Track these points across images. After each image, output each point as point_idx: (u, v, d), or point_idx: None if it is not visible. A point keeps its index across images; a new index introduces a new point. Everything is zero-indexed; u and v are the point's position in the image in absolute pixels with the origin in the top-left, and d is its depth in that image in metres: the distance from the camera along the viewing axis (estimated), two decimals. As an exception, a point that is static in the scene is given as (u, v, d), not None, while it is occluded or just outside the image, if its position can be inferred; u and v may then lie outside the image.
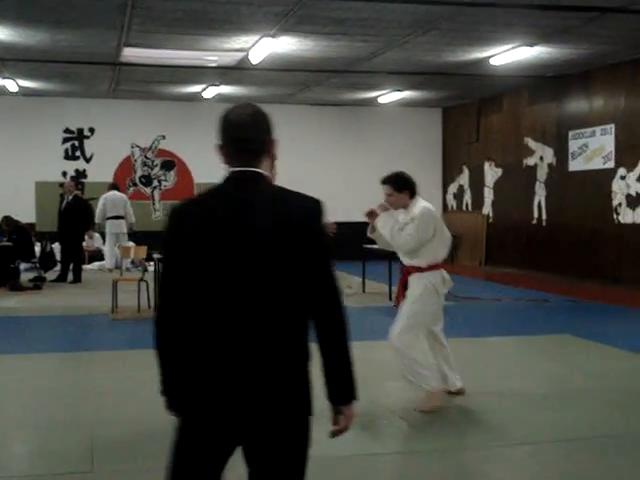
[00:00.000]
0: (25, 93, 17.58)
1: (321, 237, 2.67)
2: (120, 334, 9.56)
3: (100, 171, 18.62)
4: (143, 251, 11.50)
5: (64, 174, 18.48)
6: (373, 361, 7.92)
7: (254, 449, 2.63)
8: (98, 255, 17.13)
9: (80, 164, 18.82)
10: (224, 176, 2.70)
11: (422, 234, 5.90)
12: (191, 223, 2.61)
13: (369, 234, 6.41)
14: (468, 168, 19.62)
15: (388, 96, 18.02)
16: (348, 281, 14.53)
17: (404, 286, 6.24)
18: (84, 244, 16.56)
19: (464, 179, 19.85)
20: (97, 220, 15.84)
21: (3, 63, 14.32)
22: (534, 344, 9.04)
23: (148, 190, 19.24)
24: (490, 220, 18.46)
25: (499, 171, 18.14)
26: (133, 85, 16.80)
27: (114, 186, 16.54)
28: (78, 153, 18.80)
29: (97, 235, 17.36)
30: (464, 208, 19.88)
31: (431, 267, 6.01)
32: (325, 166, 19.63)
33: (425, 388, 6.04)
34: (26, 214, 17.34)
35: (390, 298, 12.32)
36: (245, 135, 2.69)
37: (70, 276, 14.41)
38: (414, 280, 6.06)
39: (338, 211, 19.58)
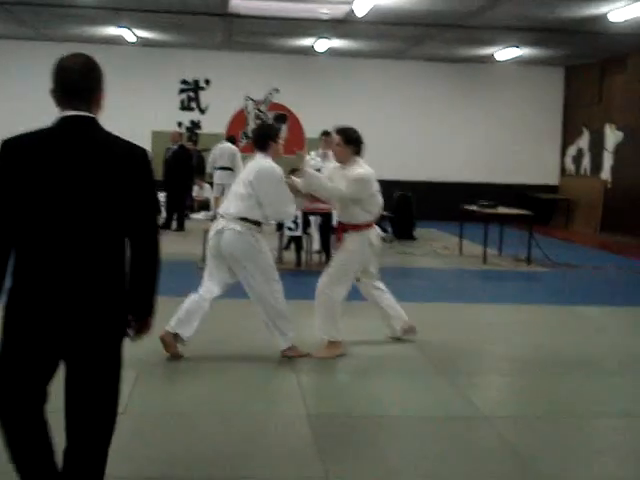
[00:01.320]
0: (143, 44, 17.97)
1: (144, 178, 2.97)
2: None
3: (214, 122, 18.89)
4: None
5: (179, 124, 18.86)
6: (465, 322, 7.79)
7: (72, 363, 2.98)
8: (207, 205, 17.42)
9: (195, 115, 19.16)
10: (56, 118, 2.94)
11: (352, 195, 6.15)
12: (22, 158, 2.86)
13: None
14: (588, 130, 18.77)
15: (505, 53, 17.34)
16: (444, 242, 14.27)
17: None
18: (194, 193, 16.94)
19: (584, 142, 19.01)
20: (208, 170, 16.09)
21: (118, 12, 14.65)
22: (620, 315, 8.60)
23: (260, 143, 19.35)
24: (608, 186, 17.64)
25: (621, 135, 17.25)
26: (246, 37, 16.87)
27: (229, 138, 16.61)
28: (194, 104, 19.14)
29: (207, 185, 17.62)
30: (582, 172, 19.08)
31: (367, 225, 6.31)
32: (435, 124, 19.23)
33: (325, 337, 6.33)
34: (142, 163, 17.79)
35: (485, 261, 12.01)
36: (74, 80, 2.94)
37: (174, 224, 14.75)
38: (350, 236, 6.34)
39: (441, 170, 19.25)
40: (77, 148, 2.89)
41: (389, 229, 14.59)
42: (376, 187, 6.33)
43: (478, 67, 19.24)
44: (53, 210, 2.85)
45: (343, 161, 6.28)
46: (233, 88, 18.85)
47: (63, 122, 2.94)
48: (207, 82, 19.05)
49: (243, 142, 19.24)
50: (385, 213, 14.67)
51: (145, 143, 18.70)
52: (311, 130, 18.43)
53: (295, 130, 19.21)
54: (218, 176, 15.66)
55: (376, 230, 6.47)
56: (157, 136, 18.59)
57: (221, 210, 6.12)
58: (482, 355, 6.73)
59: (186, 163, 15.09)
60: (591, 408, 5.36)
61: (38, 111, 18.22)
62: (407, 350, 6.60)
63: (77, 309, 2.89)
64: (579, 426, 5.00)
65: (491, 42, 16.35)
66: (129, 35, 16.75)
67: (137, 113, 18.33)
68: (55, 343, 2.93)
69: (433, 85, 19.30)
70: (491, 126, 19.51)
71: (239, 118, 19.21)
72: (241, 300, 6.37)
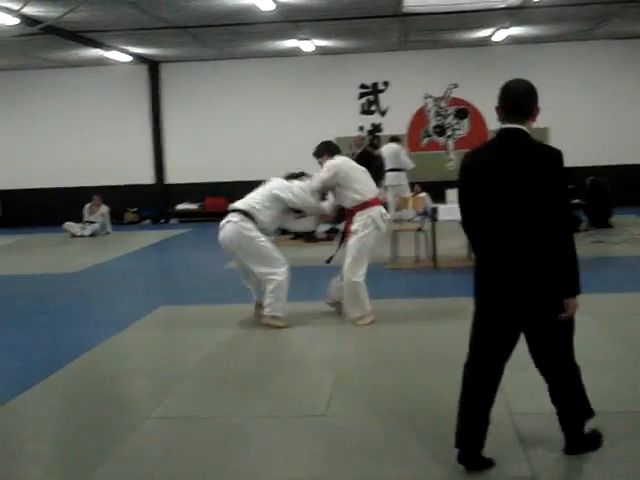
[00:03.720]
0: (320, 52, 18.27)
1: (560, 177, 3.66)
2: (394, 283, 9.70)
3: (395, 124, 18.89)
4: (421, 201, 11.52)
5: (360, 128, 19.00)
6: None
7: (532, 331, 3.85)
8: (385, 206, 17.39)
9: (375, 118, 19.25)
10: (498, 131, 3.84)
11: (320, 182, 7.38)
12: (471, 165, 3.86)
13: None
14: None
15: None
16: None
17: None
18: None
19: None
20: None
21: (297, 25, 15.00)
22: None
23: (442, 140, 19.20)
24: None
25: None
26: (421, 35, 16.76)
27: (392, 138, 16.54)
28: (374, 107, 19.24)
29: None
30: None
31: (363, 206, 7.19)
32: (626, 104, 18.21)
33: (364, 311, 7.29)
34: (326, 169, 18.15)
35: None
36: (519, 102, 3.79)
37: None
38: (355, 219, 7.22)
39: (629, 153, 18.20)
40: (504, 154, 3.74)
41: (583, 217, 14.01)
42: (352, 173, 7.37)
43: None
44: (496, 206, 3.71)
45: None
46: (412, 87, 18.79)
47: (501, 133, 3.82)
48: (385, 84, 19.10)
49: (425, 140, 19.19)
50: (578, 201, 14.19)
51: (329, 149, 19.12)
52: (494, 122, 18.02)
53: (477, 124, 18.89)
54: (389, 177, 15.62)
55: (379, 209, 7.28)
56: (340, 142, 18.72)
57: None
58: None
59: (370, 167, 15.12)
60: None
61: (223, 125, 19.19)
62: (609, 342, 6.30)
63: (531, 288, 3.69)
64: None
65: (682, 13, 15.35)
66: (307, 45, 17.10)
67: (319, 120, 18.63)
68: (516, 317, 3.80)
69: (622, 64, 18.32)
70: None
71: (419, 117, 19.14)
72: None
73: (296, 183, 7.53)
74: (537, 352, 3.91)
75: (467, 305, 7.66)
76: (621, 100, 18.30)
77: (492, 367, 3.91)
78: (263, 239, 7.26)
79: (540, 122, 15.91)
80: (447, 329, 7.03)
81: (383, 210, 7.40)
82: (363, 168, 7.69)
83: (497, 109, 3.83)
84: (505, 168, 3.69)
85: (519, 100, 3.78)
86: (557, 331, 3.82)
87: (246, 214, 7.27)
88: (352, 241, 7.24)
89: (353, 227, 7.23)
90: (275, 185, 7.49)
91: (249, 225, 7.22)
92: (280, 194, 7.38)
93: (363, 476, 4.00)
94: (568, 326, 3.84)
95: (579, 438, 4.02)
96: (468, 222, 3.91)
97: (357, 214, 7.23)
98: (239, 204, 7.41)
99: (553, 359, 3.90)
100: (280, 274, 7.24)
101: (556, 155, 3.69)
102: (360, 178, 7.41)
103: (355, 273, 7.21)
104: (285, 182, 7.53)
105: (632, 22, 16.04)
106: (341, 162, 7.47)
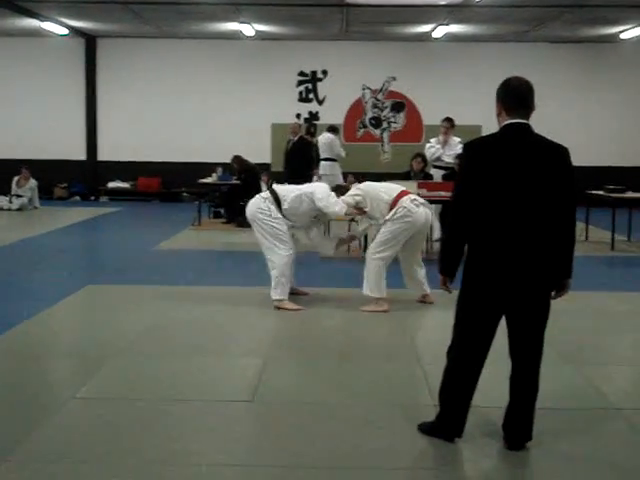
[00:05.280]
0: (261, 37, 18.20)
1: (570, 171, 3.95)
2: (323, 272, 9.78)
3: (332, 113, 18.94)
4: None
5: (298, 116, 19.00)
6: (591, 310, 7.57)
7: (513, 313, 4.01)
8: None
9: (313, 106, 19.27)
10: (504, 125, 3.97)
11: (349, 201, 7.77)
12: (484, 156, 3.97)
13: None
14: None
15: (633, 32, 16.66)
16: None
17: None
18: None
19: None
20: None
21: (238, 8, 14.91)
22: None
23: (377, 132, 19.34)
24: None
25: None
26: (363, 26, 16.85)
27: (330, 128, 16.37)
28: (311, 95, 19.26)
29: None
30: None
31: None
32: (557, 107, 18.56)
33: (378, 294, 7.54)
34: (262, 155, 18.20)
35: (613, 247, 11.62)
36: (524, 97, 3.96)
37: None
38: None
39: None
40: (517, 148, 3.91)
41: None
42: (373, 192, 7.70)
43: (603, 47, 18.58)
44: (510, 195, 3.86)
45: None
46: (350, 78, 18.87)
47: (509, 127, 3.96)
48: (324, 73, 19.12)
49: (360, 131, 19.29)
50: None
51: (265, 136, 19.10)
52: (429, 117, 18.27)
53: (413, 118, 19.09)
54: (321, 167, 15.55)
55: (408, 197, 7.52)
56: (277, 128, 18.80)
57: None
58: (609, 344, 6.52)
59: (306, 154, 15.10)
60: None
61: (159, 105, 18.97)
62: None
63: (523, 272, 3.89)
64: None
65: (617, 21, 15.76)
66: (248, 29, 17.00)
67: (257, 106, 18.65)
68: (501, 301, 3.96)
69: (555, 67, 18.69)
70: (617, 108, 18.83)
71: (356, 107, 19.23)
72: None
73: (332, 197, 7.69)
74: (517, 334, 4.04)
75: (396, 295, 7.84)
76: (552, 102, 18.62)
77: (477, 350, 4.04)
78: (272, 223, 7.51)
79: (473, 120, 16.14)
80: (382, 319, 7.15)
81: (412, 196, 7.63)
82: (385, 184, 8.00)
83: (498, 104, 3.99)
84: (524, 162, 3.87)
85: (526, 97, 3.95)
86: (539, 315, 4.02)
87: (276, 197, 7.59)
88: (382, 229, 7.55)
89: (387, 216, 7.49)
90: (311, 189, 7.72)
91: (272, 207, 7.52)
92: (311, 194, 7.58)
93: (285, 463, 4.04)
94: (547, 312, 4.04)
95: (528, 432, 4.12)
96: (466, 208, 3.94)
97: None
98: (278, 186, 7.92)
99: (530, 342, 4.05)
100: (274, 260, 7.54)
101: (568, 153, 3.98)
102: (381, 191, 7.68)
103: (374, 252, 7.52)
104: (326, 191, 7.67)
105: (566, 27, 16.43)
106: (364, 188, 7.82)
